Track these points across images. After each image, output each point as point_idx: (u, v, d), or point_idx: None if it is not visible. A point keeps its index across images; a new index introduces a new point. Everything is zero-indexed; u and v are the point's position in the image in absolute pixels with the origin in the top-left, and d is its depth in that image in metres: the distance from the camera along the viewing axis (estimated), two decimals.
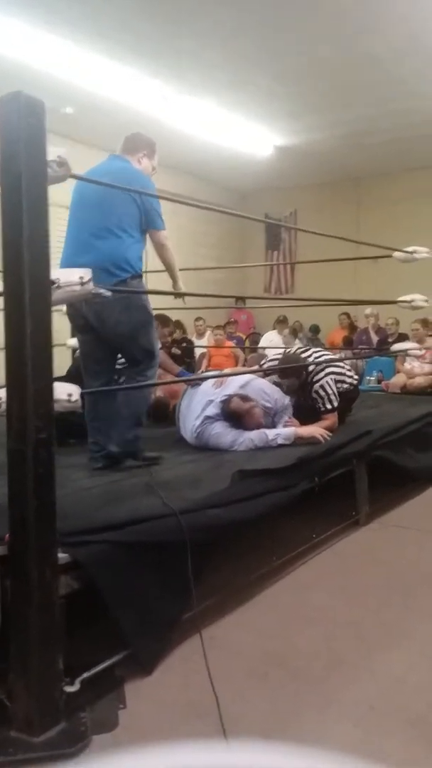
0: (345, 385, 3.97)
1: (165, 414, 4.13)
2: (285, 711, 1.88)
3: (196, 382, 3.83)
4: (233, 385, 3.60)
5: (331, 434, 3.53)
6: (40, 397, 1.74)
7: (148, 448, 3.25)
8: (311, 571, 2.92)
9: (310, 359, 3.95)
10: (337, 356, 4.25)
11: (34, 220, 1.74)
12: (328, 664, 2.14)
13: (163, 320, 4.51)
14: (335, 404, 3.78)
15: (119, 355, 3.30)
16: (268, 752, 0.39)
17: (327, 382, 3.77)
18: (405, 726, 1.79)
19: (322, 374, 3.78)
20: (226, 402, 3.46)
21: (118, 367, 3.40)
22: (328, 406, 3.76)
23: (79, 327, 3.15)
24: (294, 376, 3.78)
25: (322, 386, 3.75)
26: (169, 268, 3.29)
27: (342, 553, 3.15)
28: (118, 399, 3.11)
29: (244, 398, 3.47)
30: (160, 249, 3.19)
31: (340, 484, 3.43)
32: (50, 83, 5.94)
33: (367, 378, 6.99)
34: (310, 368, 3.81)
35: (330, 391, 3.76)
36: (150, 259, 3.58)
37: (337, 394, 3.79)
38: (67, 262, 2.95)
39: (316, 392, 3.75)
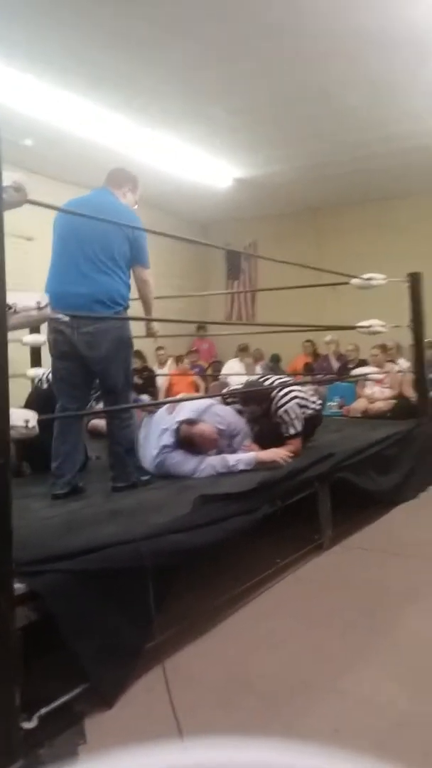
0: (309, 411, 3.99)
1: None
2: (249, 732, 1.84)
3: (152, 411, 3.81)
4: (185, 411, 3.59)
5: (292, 457, 3.55)
6: None
7: (108, 476, 3.24)
8: (275, 596, 2.90)
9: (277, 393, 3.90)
10: (298, 383, 4.29)
11: None
12: (294, 688, 2.12)
13: None
14: (299, 429, 3.79)
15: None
16: (271, 750, 0.39)
17: (292, 407, 3.78)
18: (370, 748, 1.77)
19: (286, 398, 3.79)
20: (177, 430, 3.45)
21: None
22: (292, 431, 3.76)
23: (60, 353, 3.16)
24: (255, 404, 3.79)
25: (286, 411, 3.75)
26: (146, 304, 3.39)
27: (306, 578, 3.14)
28: (111, 440, 3.21)
29: (191, 422, 3.46)
30: (143, 285, 3.30)
31: (302, 507, 3.43)
32: (9, 116, 5.97)
33: (329, 404, 7.05)
34: (273, 393, 3.83)
35: (294, 416, 3.77)
36: None
37: (301, 419, 3.81)
38: (61, 291, 2.96)
39: (281, 417, 3.76)
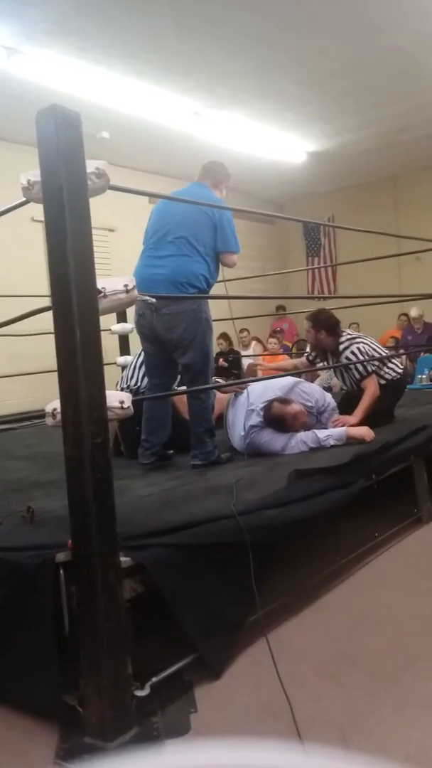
0: (391, 374, 4.04)
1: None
2: (360, 710, 1.83)
3: (238, 393, 3.80)
4: (271, 389, 3.57)
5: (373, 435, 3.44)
6: (93, 403, 1.76)
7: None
8: (376, 570, 2.86)
9: (344, 337, 4.05)
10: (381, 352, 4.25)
11: (77, 232, 1.76)
12: (402, 661, 2.08)
13: None
14: (370, 368, 3.89)
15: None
16: (270, 751, 0.38)
17: (358, 348, 3.91)
18: None
19: (348, 343, 3.97)
20: (267, 408, 3.43)
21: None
22: (363, 372, 3.88)
23: (144, 336, 3.36)
24: (311, 323, 4.02)
25: (352, 352, 3.90)
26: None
27: (406, 551, 3.07)
28: (191, 418, 3.31)
29: (284, 401, 3.44)
30: (232, 268, 3.40)
31: (399, 481, 3.36)
32: (85, 109, 6.07)
33: (419, 376, 6.85)
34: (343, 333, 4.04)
35: (361, 357, 3.88)
36: None
37: (369, 356, 3.92)
38: (140, 274, 3.18)
39: (347, 358, 3.90)
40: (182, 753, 0.38)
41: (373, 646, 2.21)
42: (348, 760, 0.38)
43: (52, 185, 1.75)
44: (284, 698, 1.86)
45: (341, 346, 3.95)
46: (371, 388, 3.86)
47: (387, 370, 4.04)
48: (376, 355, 4.02)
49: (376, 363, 3.97)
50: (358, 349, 3.90)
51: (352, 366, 3.89)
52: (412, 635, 2.26)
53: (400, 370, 4.14)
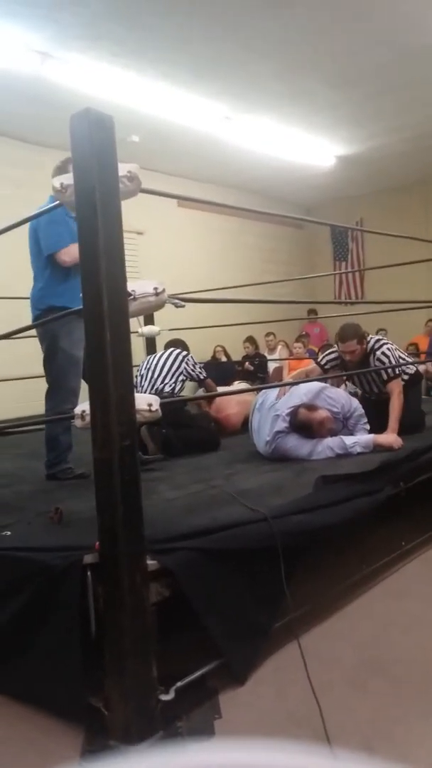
0: (410, 369, 4.08)
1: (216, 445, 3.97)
2: (388, 719, 1.80)
3: (263, 396, 3.78)
4: (297, 395, 3.54)
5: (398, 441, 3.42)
6: (122, 405, 1.77)
7: (223, 460, 3.29)
8: (404, 578, 2.82)
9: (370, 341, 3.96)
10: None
11: (109, 233, 1.77)
12: (429, 671, 2.05)
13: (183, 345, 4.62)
14: (398, 372, 3.86)
15: None
16: (277, 752, 0.37)
17: (389, 348, 3.86)
18: None
19: (376, 344, 3.88)
20: (293, 414, 3.41)
21: None
22: (390, 374, 3.82)
23: None
24: (355, 339, 3.80)
25: (384, 353, 3.82)
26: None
27: None
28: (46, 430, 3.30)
29: (311, 407, 3.41)
30: (68, 264, 3.07)
31: (427, 489, 3.31)
32: (116, 112, 6.12)
33: None
34: (369, 339, 3.92)
35: (393, 359, 3.82)
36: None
37: (398, 360, 3.88)
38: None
39: (379, 359, 3.82)
40: (195, 752, 0.38)
41: (400, 655, 2.18)
42: (358, 763, 0.37)
43: (85, 188, 1.76)
44: (309, 706, 1.84)
45: (369, 347, 3.86)
46: (397, 391, 3.79)
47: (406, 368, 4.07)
48: (401, 356, 4.01)
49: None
50: (388, 349, 3.84)
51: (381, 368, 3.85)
52: None
53: (413, 367, 4.21)
